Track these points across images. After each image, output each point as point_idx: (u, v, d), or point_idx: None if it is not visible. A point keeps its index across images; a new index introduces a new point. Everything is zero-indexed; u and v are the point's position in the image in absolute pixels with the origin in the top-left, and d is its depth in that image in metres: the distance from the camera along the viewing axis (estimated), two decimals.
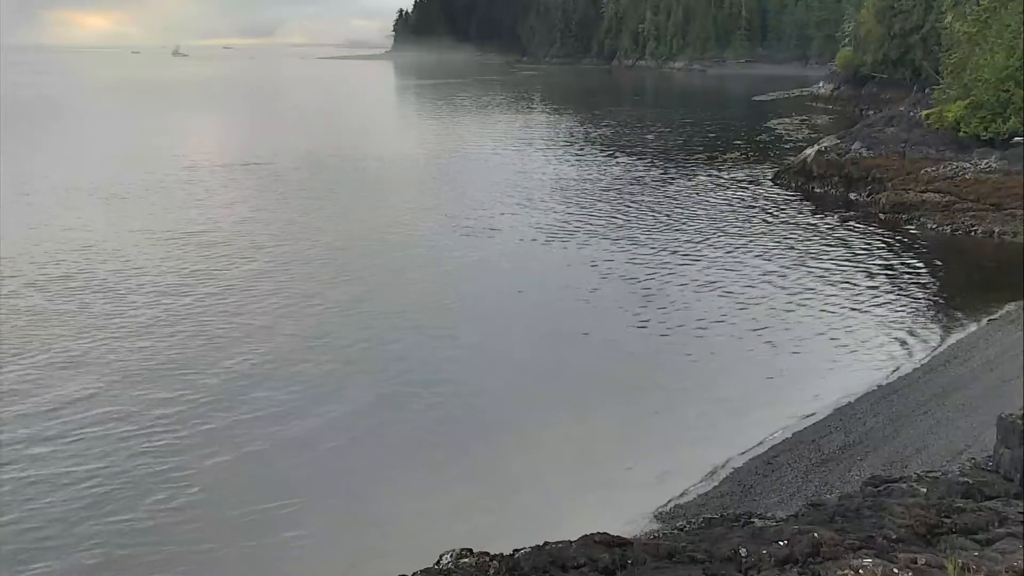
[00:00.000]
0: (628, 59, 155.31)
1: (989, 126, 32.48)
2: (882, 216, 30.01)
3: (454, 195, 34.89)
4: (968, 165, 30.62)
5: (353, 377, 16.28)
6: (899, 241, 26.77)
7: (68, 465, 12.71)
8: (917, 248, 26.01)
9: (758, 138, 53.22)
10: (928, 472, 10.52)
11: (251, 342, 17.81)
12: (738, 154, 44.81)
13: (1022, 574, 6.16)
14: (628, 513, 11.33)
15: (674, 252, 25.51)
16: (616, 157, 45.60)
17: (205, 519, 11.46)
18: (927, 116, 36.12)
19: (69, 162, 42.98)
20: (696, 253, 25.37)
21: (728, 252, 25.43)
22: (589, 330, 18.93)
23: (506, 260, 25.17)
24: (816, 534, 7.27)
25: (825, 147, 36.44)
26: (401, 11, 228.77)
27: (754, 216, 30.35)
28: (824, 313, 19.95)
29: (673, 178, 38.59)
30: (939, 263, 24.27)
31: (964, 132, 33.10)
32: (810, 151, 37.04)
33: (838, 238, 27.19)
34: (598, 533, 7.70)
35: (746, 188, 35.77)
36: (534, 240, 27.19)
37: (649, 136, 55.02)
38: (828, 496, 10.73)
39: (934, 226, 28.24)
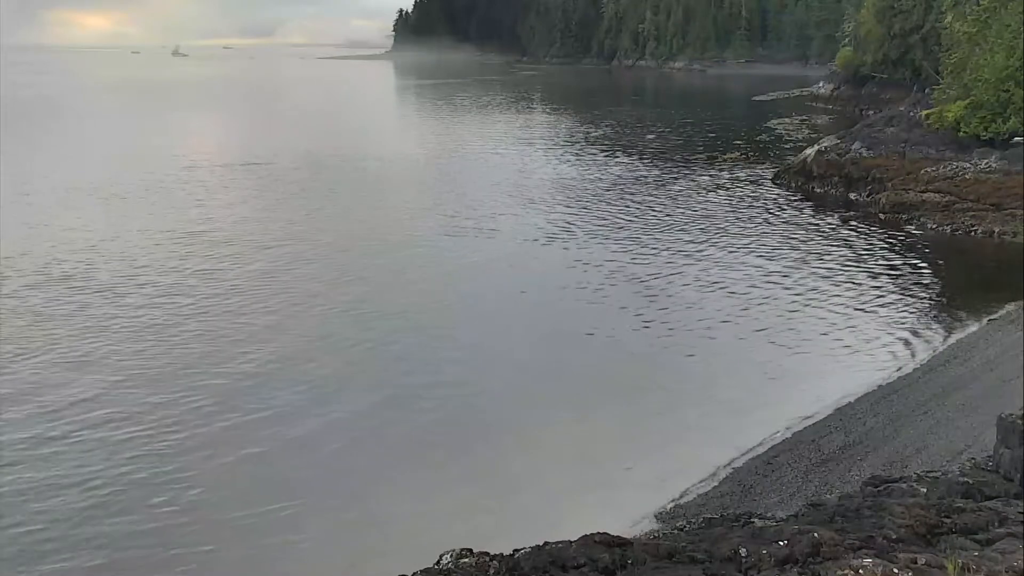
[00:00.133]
0: (628, 59, 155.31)
1: (989, 126, 32.47)
2: (882, 216, 30.01)
3: (454, 195, 34.89)
4: (968, 165, 30.62)
5: (354, 377, 16.28)
6: (899, 241, 26.77)
7: (69, 467, 12.71)
8: (917, 248, 26.01)
9: (758, 138, 53.21)
10: (928, 472, 10.52)
11: (252, 343, 17.81)
12: (738, 154, 44.82)
13: (1022, 574, 6.16)
14: (628, 513, 11.34)
15: (674, 252, 25.51)
16: (616, 157, 45.60)
17: (206, 520, 11.46)
18: (927, 116, 36.11)
19: (69, 162, 42.99)
20: (696, 253, 25.38)
21: (728, 252, 25.43)
22: (589, 330, 18.92)
23: (506, 260, 25.16)
24: (816, 534, 7.28)
25: (825, 147, 36.44)
26: (401, 11, 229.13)
27: (754, 216, 30.35)
28: (824, 313, 19.95)
29: (673, 178, 38.59)
30: (939, 263, 24.27)
31: (964, 132, 33.09)
32: (810, 151, 37.03)
33: (838, 238, 27.19)
34: (598, 533, 7.70)
35: (746, 188, 35.77)
36: (534, 240, 27.20)
37: (649, 136, 55.01)
38: (828, 496, 10.73)
39: (934, 226, 28.24)
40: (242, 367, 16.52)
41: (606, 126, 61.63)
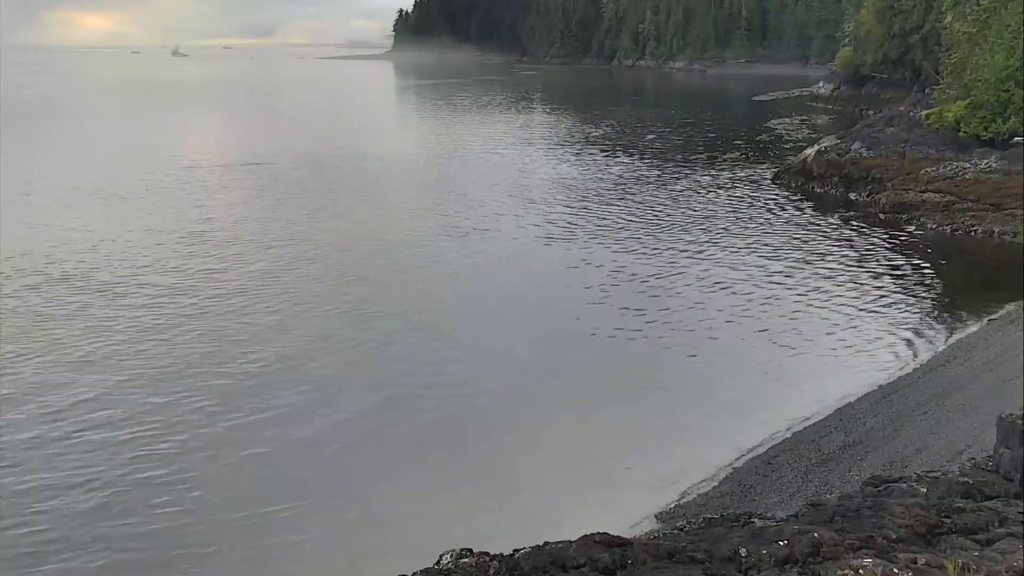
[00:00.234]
0: (628, 59, 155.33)
1: (989, 126, 32.48)
2: (882, 216, 30.01)
3: (454, 195, 34.88)
4: (968, 165, 30.62)
5: (355, 378, 16.28)
6: (899, 241, 26.77)
7: (71, 468, 12.70)
8: (917, 248, 26.01)
9: (758, 138, 53.22)
10: (928, 472, 10.52)
11: (254, 343, 17.80)
12: (738, 154, 44.82)
13: (1022, 574, 6.16)
14: (628, 513, 11.34)
15: (674, 252, 25.51)
16: (616, 157, 45.61)
17: (208, 520, 11.46)
18: (927, 116, 36.12)
19: (69, 162, 42.99)
20: (696, 253, 25.38)
21: (728, 252, 25.43)
22: (589, 330, 18.92)
23: (507, 260, 25.17)
24: (816, 534, 7.27)
25: (825, 147, 36.44)
26: (401, 11, 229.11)
27: (754, 216, 30.35)
28: (824, 313, 19.96)
29: (673, 178, 38.59)
30: (939, 263, 24.27)
31: (964, 132, 33.09)
32: (810, 151, 37.03)
33: (838, 238, 27.19)
34: (598, 533, 7.70)
35: (746, 188, 35.77)
36: (535, 240, 27.20)
37: (649, 136, 55.01)
38: (828, 496, 10.73)
39: (934, 226, 28.24)
40: (244, 367, 16.52)
41: (606, 126, 61.63)
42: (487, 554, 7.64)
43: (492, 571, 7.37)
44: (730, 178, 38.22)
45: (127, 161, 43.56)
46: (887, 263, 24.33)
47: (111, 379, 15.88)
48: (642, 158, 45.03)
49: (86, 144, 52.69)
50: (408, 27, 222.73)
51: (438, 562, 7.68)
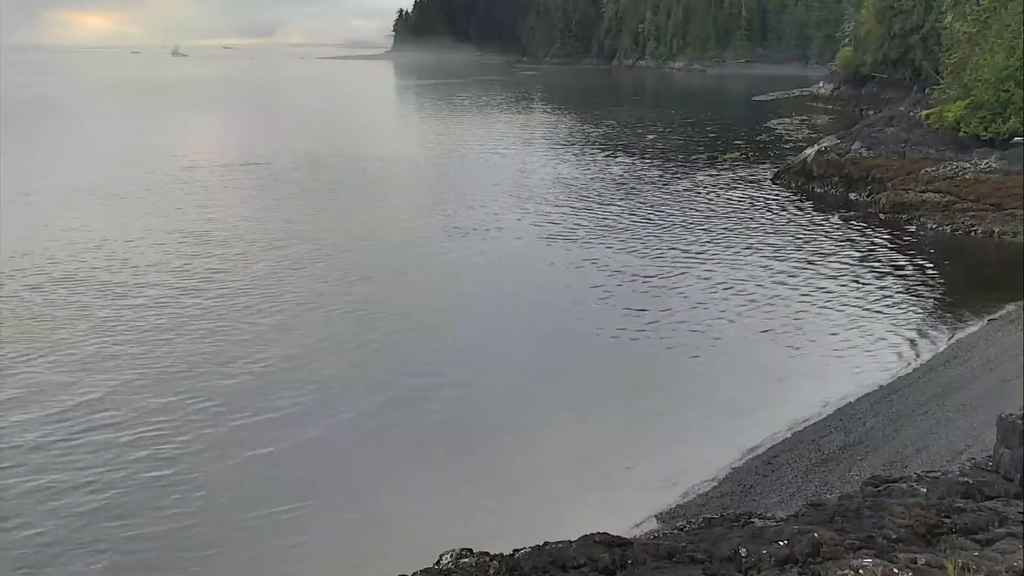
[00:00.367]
0: (628, 59, 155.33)
1: (989, 126, 32.48)
2: (882, 216, 30.02)
3: (455, 195, 34.88)
4: (968, 165, 30.62)
5: (356, 379, 16.28)
6: (899, 241, 26.77)
7: (73, 469, 12.68)
8: (917, 248, 26.01)
9: (758, 138, 53.22)
10: (928, 472, 10.52)
11: (256, 344, 17.79)
12: (738, 154, 44.82)
13: (1022, 574, 6.16)
14: (628, 513, 11.34)
15: (674, 252, 25.51)
16: (616, 157, 45.60)
17: (211, 522, 11.45)
18: (927, 116, 36.11)
19: (69, 162, 42.98)
20: (696, 253, 25.38)
21: (728, 252, 25.43)
22: (590, 330, 18.93)
23: (507, 260, 25.18)
24: (816, 534, 7.27)
25: (825, 147, 36.44)
26: (401, 11, 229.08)
27: (754, 216, 30.35)
28: (824, 314, 19.96)
29: (673, 178, 38.59)
30: (939, 263, 24.27)
31: (964, 132, 33.09)
32: (810, 151, 37.04)
33: (838, 238, 27.20)
34: (598, 533, 7.70)
35: (746, 188, 35.77)
36: (535, 240, 27.20)
37: (649, 136, 55.02)
38: (828, 496, 10.73)
39: (934, 226, 28.24)
40: (246, 368, 16.51)
41: (606, 126, 61.63)
42: (487, 554, 7.64)
43: (492, 571, 7.37)
44: (730, 178, 38.22)
45: (127, 161, 43.56)
46: (887, 263, 24.33)
47: (113, 380, 15.87)
48: (642, 158, 45.03)
49: (86, 144, 52.69)
50: (408, 27, 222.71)
51: (438, 562, 7.68)
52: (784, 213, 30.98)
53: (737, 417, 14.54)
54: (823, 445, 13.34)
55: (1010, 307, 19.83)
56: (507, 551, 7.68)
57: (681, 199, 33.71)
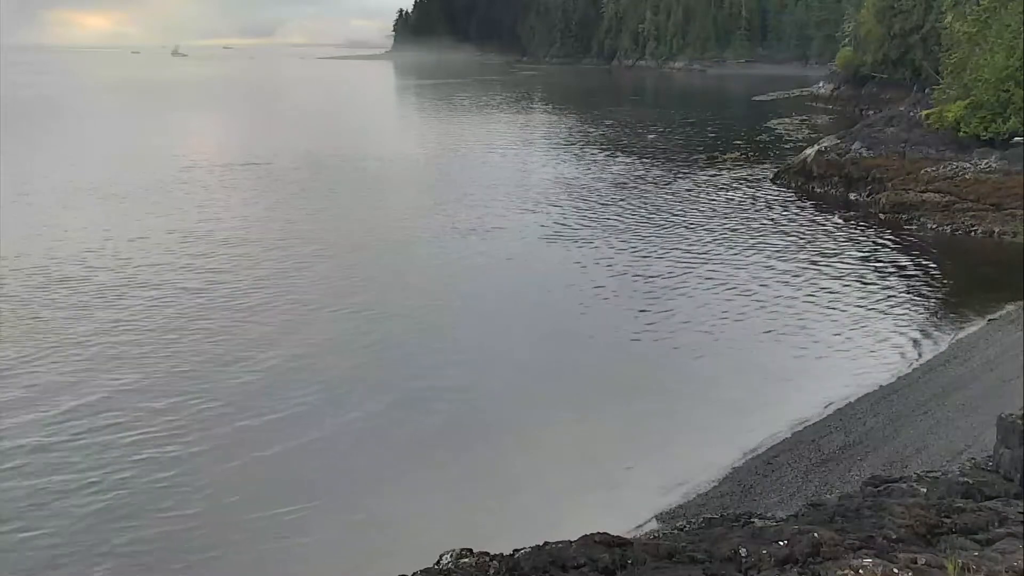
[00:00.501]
0: (628, 59, 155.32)
1: (989, 126, 32.48)
2: (882, 216, 30.02)
3: (455, 195, 34.88)
4: (968, 165, 30.62)
5: (356, 380, 16.27)
6: (899, 241, 26.77)
7: (75, 472, 12.66)
8: (917, 248, 26.02)
9: (758, 138, 53.23)
10: (928, 472, 10.52)
11: (256, 346, 17.75)
12: (738, 154, 44.84)
13: (1022, 574, 6.16)
14: (628, 513, 11.34)
15: (674, 252, 25.51)
16: (616, 157, 45.61)
17: (212, 523, 11.44)
18: (927, 116, 36.12)
19: (69, 162, 42.98)
20: (696, 253, 25.38)
21: (727, 253, 25.43)
22: (590, 330, 18.93)
23: (507, 260, 25.17)
24: (816, 534, 7.27)
25: (825, 147, 36.44)
26: (401, 11, 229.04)
27: (754, 217, 30.35)
28: (824, 313, 19.96)
29: (673, 178, 38.59)
30: (939, 263, 24.27)
31: (964, 132, 33.09)
32: (810, 151, 37.04)
33: (838, 238, 27.20)
34: (598, 533, 7.69)
35: (746, 188, 35.78)
36: (536, 240, 27.20)
37: (649, 136, 55.03)
38: (828, 496, 10.73)
39: (934, 226, 28.24)
40: (249, 370, 16.48)
41: (606, 126, 61.64)
42: (487, 554, 7.64)
43: (492, 571, 7.36)
44: (730, 178, 38.22)
45: (127, 161, 43.57)
46: (887, 263, 24.34)
47: (115, 381, 15.85)
48: (642, 158, 45.03)
49: (86, 144, 52.69)
50: (408, 27, 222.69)
51: (438, 562, 7.68)
52: (784, 213, 30.98)
53: (737, 417, 14.54)
54: (823, 445, 13.34)
55: (1010, 307, 19.83)
56: (507, 551, 7.67)
57: (681, 199, 33.71)
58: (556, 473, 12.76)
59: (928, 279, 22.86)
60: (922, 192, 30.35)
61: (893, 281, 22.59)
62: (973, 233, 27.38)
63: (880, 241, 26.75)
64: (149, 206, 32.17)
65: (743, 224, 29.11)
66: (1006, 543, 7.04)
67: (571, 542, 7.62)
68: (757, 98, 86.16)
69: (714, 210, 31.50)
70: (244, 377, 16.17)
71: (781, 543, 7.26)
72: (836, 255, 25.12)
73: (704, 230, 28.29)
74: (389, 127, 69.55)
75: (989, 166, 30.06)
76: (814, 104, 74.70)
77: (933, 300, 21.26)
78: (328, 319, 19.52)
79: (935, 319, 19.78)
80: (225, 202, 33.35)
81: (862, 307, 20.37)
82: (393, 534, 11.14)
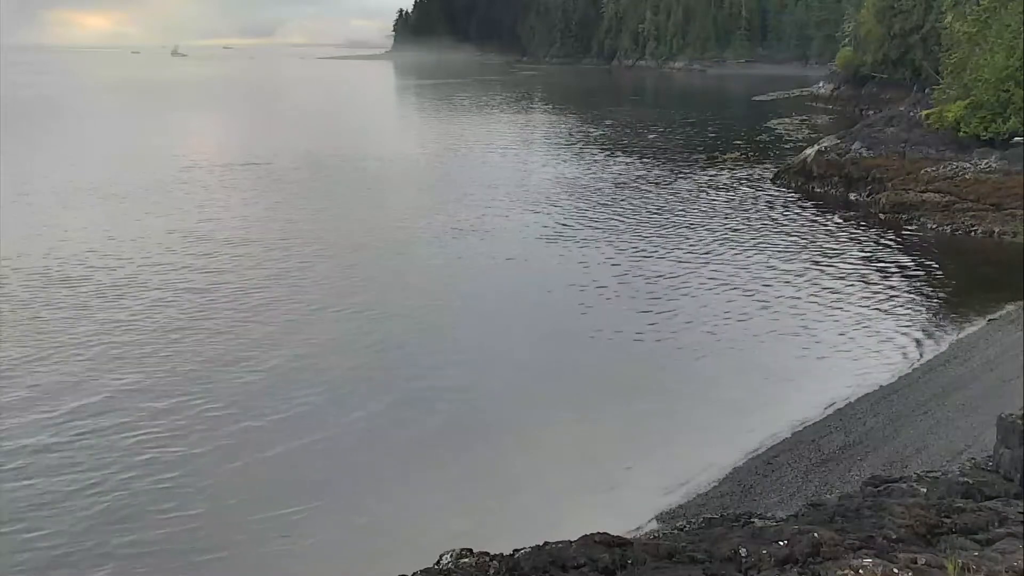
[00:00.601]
0: (628, 59, 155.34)
1: (989, 126, 32.48)
2: (882, 216, 30.02)
3: (455, 195, 34.87)
4: (968, 165, 30.62)
5: (356, 380, 16.26)
6: (899, 241, 26.77)
7: (77, 473, 12.63)
8: (917, 248, 26.02)
9: (758, 138, 53.23)
10: (928, 472, 10.52)
11: (257, 347, 17.72)
12: (738, 154, 44.84)
13: (1022, 574, 6.16)
14: (628, 513, 11.34)
15: (674, 252, 25.51)
16: (616, 157, 45.61)
17: (214, 525, 11.42)
18: (927, 116, 36.12)
19: (69, 162, 42.98)
20: (696, 253, 25.38)
21: (727, 253, 25.43)
22: (590, 330, 18.92)
23: (508, 260, 25.17)
24: (816, 534, 7.27)
25: (825, 147, 36.44)
26: (401, 11, 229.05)
27: (754, 217, 30.35)
28: (824, 314, 19.96)
29: (673, 178, 38.59)
30: (939, 263, 24.27)
31: (964, 132, 33.09)
32: (810, 151, 37.04)
33: (838, 238, 27.20)
34: (598, 533, 7.69)
35: (746, 188, 35.78)
36: (536, 240, 27.19)
37: (650, 136, 55.03)
38: (828, 496, 10.73)
39: (934, 226, 28.24)
40: (251, 371, 16.44)
41: (606, 126, 61.64)
42: (487, 554, 7.64)
43: (492, 571, 7.36)
44: (730, 178, 38.23)
45: (127, 161, 43.56)
46: (887, 263, 24.33)
47: (116, 382, 15.83)
48: (642, 158, 45.03)
49: (86, 144, 52.69)
50: (408, 27, 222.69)
51: (438, 562, 7.68)
52: (784, 213, 30.97)
53: (737, 417, 14.54)
54: (823, 445, 13.34)
55: (1010, 307, 19.83)
56: (507, 551, 7.67)
57: (681, 199, 33.71)
58: (556, 473, 12.75)
59: (928, 279, 22.86)
60: (922, 192, 30.35)
61: (893, 281, 22.59)
62: (973, 233, 27.38)
63: (880, 241, 26.75)
64: (149, 206, 32.16)
65: (743, 224, 29.11)
66: (1006, 543, 7.04)
67: (571, 542, 7.62)
68: (757, 98, 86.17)
69: (714, 210, 31.50)
70: (246, 377, 16.16)
71: (781, 543, 7.26)
72: (836, 255, 25.12)
73: (704, 230, 28.29)
74: (389, 127, 69.54)
75: (989, 166, 30.06)
76: (814, 104, 74.71)
77: (933, 300, 21.25)
78: (330, 319, 19.51)
79: (935, 319, 19.77)
80: (225, 202, 33.35)
81: (861, 307, 20.36)
82: (393, 534, 11.14)
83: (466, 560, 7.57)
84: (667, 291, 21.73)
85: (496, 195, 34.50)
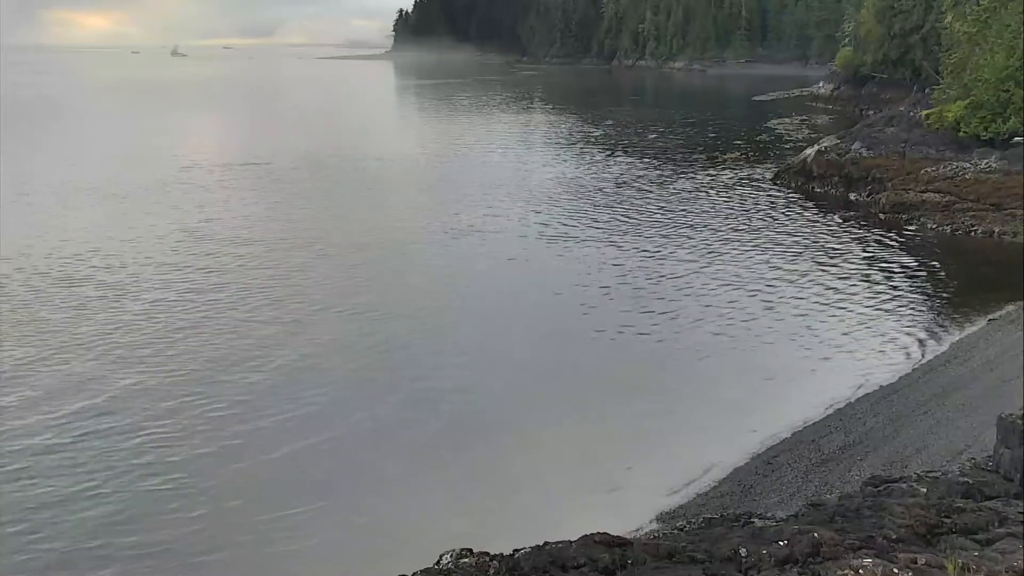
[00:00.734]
0: (628, 59, 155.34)
1: (989, 126, 32.48)
2: (882, 216, 30.01)
3: (455, 195, 34.87)
4: (968, 165, 30.62)
5: (359, 381, 16.27)
6: (899, 241, 26.77)
7: (77, 475, 12.61)
8: (917, 248, 26.01)
9: (758, 138, 53.22)
10: (928, 472, 10.52)
11: (259, 349, 17.67)
12: (738, 154, 44.83)
13: (1022, 574, 6.16)
14: (628, 513, 11.33)
15: (674, 252, 25.51)
16: (616, 157, 45.61)
17: (216, 526, 11.41)
18: (927, 116, 36.12)
19: (69, 162, 42.97)
20: (696, 253, 25.37)
21: (727, 253, 25.42)
22: (590, 330, 18.92)
23: (508, 260, 25.16)
24: (816, 534, 7.27)
25: (825, 147, 36.44)
26: (401, 11, 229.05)
27: (754, 217, 30.35)
28: (824, 314, 19.96)
29: (673, 178, 38.59)
30: (939, 263, 24.27)
31: (964, 132, 33.09)
32: (810, 151, 37.04)
33: (838, 239, 27.19)
34: (598, 533, 7.69)
35: (746, 188, 35.78)
36: (536, 240, 27.19)
37: (650, 136, 55.02)
38: (828, 496, 10.73)
39: (934, 226, 28.24)
40: (252, 372, 16.40)
41: (606, 126, 61.64)
42: (487, 554, 7.64)
43: (492, 571, 7.36)
44: (730, 178, 38.22)
45: (127, 161, 43.55)
46: (887, 264, 24.33)
47: (118, 384, 15.79)
48: (642, 158, 45.03)
49: (86, 144, 52.68)
50: (408, 27, 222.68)
51: (438, 562, 7.68)
52: (784, 213, 30.97)
53: (737, 417, 14.54)
54: (823, 445, 13.34)
55: (1010, 307, 19.83)
56: (507, 551, 7.67)
57: (681, 199, 33.71)
58: (556, 473, 12.75)
59: (928, 279, 22.86)
60: (922, 192, 30.35)
61: (893, 281, 22.59)
62: (973, 233, 27.38)
63: (880, 241, 26.75)
64: (149, 206, 32.16)
65: (744, 224, 29.11)
66: (1006, 543, 7.04)
67: (571, 542, 7.62)
68: (757, 98, 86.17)
69: (714, 210, 31.50)
70: (251, 377, 16.15)
71: (781, 543, 7.26)
72: (835, 255, 25.12)
73: (705, 229, 28.29)
74: (389, 127, 69.54)
75: (989, 166, 30.06)
76: (814, 104, 74.71)
77: (933, 300, 21.26)
78: (332, 320, 19.49)
79: (935, 319, 19.77)
80: (225, 202, 33.34)
81: (861, 307, 20.36)
82: (394, 534, 11.14)
83: (466, 560, 7.57)
84: (668, 291, 21.73)
85: (496, 195, 34.49)
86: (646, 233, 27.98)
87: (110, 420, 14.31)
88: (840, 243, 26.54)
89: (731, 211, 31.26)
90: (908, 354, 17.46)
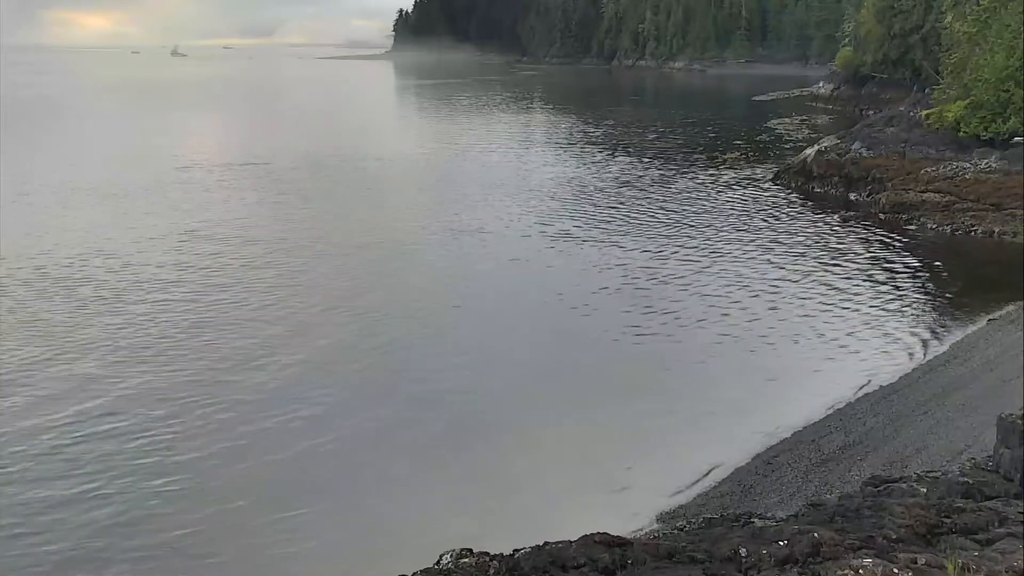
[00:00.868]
0: (628, 59, 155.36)
1: (989, 126, 32.47)
2: (882, 216, 30.01)
3: (455, 195, 34.88)
4: (968, 165, 30.62)
5: (356, 380, 16.28)
6: (899, 241, 26.77)
7: (79, 476, 12.60)
8: (917, 248, 26.01)
9: (758, 138, 53.22)
10: (928, 472, 10.51)
11: (260, 350, 17.65)
12: (738, 154, 44.82)
13: (1022, 574, 6.16)
14: (628, 513, 11.34)
15: (674, 252, 25.51)
16: (616, 157, 45.61)
17: (217, 527, 11.39)
18: (927, 116, 36.11)
19: (69, 162, 42.96)
20: (696, 254, 25.38)
21: (727, 253, 25.42)
22: (591, 330, 18.93)
23: (508, 261, 25.16)
24: (816, 534, 7.27)
25: (825, 147, 36.44)
26: (401, 11, 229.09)
27: (754, 217, 30.35)
28: (823, 314, 19.96)
29: (673, 178, 38.59)
30: (939, 263, 24.27)
31: (964, 132, 33.09)
32: (810, 151, 37.04)
33: (838, 239, 27.19)
34: (598, 533, 7.69)
35: (746, 188, 35.78)
36: (536, 241, 27.18)
37: (650, 136, 55.01)
38: (828, 496, 10.73)
39: (934, 226, 28.24)
40: (254, 373, 16.39)
41: (606, 126, 61.63)
42: (487, 554, 7.64)
43: (492, 571, 7.36)
44: (730, 178, 38.22)
45: (127, 161, 43.55)
46: (887, 263, 24.34)
47: (119, 385, 15.76)
48: (642, 158, 45.02)
49: (86, 144, 52.67)
50: (408, 27, 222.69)
51: (438, 562, 7.68)
52: (784, 213, 30.97)
53: (737, 417, 14.54)
54: (823, 445, 13.35)
55: (1010, 307, 19.82)
56: (507, 551, 7.67)
57: (682, 199, 33.71)
58: (556, 473, 12.76)
59: (928, 279, 22.86)
60: (922, 192, 30.35)
61: (893, 281, 22.59)
62: (973, 233, 27.38)
63: (880, 241, 26.75)
64: (149, 206, 32.16)
65: (744, 224, 29.11)
66: (1006, 543, 7.04)
67: (571, 542, 7.62)
68: (757, 98, 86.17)
69: (715, 209, 31.50)
70: (256, 377, 16.15)
71: (781, 543, 7.26)
72: (835, 255, 25.12)
73: (705, 229, 28.29)
74: (389, 127, 69.53)
75: (989, 166, 30.05)
76: (814, 104, 74.71)
77: (933, 300, 21.25)
78: (334, 321, 19.48)
79: (935, 319, 19.77)
80: (225, 202, 33.34)
81: (862, 307, 20.36)
82: (394, 534, 11.15)
83: (466, 560, 7.57)
84: (669, 290, 21.73)
85: (497, 195, 34.50)
86: (647, 233, 27.98)
87: (112, 421, 14.31)
88: (840, 243, 26.53)
89: (731, 211, 31.26)
90: (908, 354, 17.45)
